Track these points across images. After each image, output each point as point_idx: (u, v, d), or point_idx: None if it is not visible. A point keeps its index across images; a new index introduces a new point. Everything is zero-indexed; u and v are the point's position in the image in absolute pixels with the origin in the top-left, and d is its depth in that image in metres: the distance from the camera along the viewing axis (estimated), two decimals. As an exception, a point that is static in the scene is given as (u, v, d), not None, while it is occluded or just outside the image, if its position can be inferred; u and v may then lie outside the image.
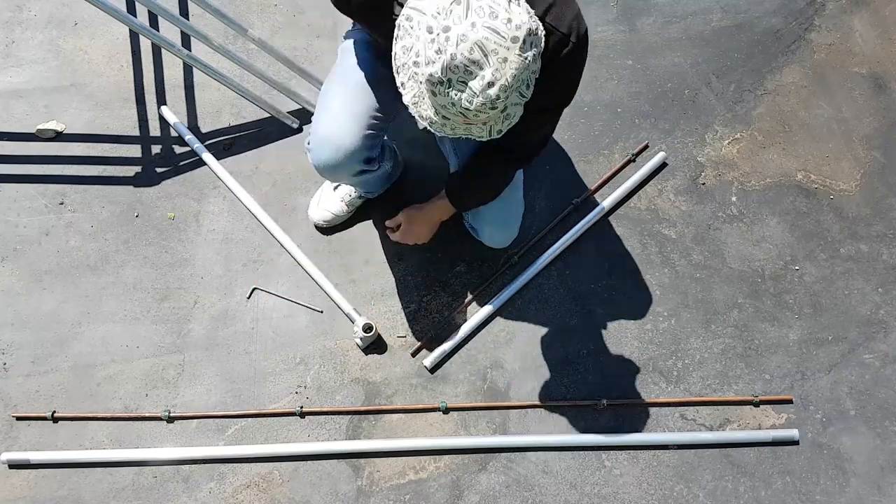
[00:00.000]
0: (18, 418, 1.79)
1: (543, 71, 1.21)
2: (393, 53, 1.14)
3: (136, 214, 2.03)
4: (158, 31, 2.14)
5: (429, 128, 1.20)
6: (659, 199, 2.05)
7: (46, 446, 1.76)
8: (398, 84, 1.16)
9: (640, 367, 1.84)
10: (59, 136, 2.13)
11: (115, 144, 2.12)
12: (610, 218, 2.02)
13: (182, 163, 2.10)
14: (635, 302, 1.92)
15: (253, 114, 2.16)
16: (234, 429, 1.78)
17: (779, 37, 2.30)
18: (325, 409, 1.79)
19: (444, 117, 1.16)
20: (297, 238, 1.98)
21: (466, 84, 1.06)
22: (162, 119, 2.15)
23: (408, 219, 1.74)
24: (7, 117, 2.15)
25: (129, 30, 2.26)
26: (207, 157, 2.07)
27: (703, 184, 2.07)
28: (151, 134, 2.14)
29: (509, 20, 1.03)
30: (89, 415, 1.78)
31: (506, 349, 1.86)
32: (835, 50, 2.27)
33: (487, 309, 1.88)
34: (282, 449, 1.74)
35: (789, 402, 1.80)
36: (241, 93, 2.03)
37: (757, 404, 1.79)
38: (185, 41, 2.23)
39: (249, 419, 1.79)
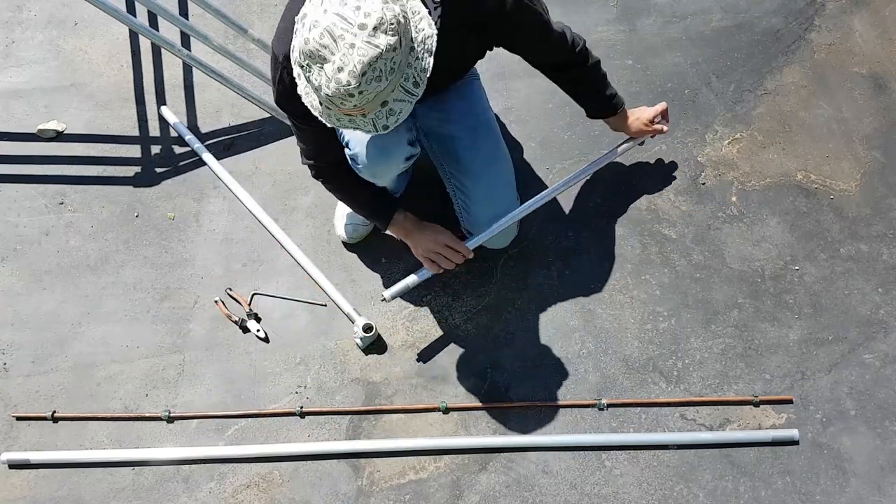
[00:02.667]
0: (18, 418, 1.79)
1: (494, 23, 1.33)
2: (291, 47, 1.17)
3: (136, 214, 2.03)
4: (158, 30, 2.14)
5: (319, 118, 1.22)
6: (659, 199, 2.05)
7: (46, 446, 1.76)
8: (295, 76, 1.19)
9: (640, 367, 1.84)
10: (59, 136, 2.13)
11: (115, 144, 2.12)
12: (610, 218, 2.02)
13: (182, 163, 2.10)
14: (635, 302, 1.92)
15: (253, 114, 2.16)
16: (234, 429, 1.78)
17: (779, 37, 2.30)
18: (325, 409, 1.79)
19: (326, 107, 1.19)
20: (296, 238, 1.98)
21: (322, 68, 1.08)
22: (162, 119, 2.15)
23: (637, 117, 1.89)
24: (7, 117, 2.15)
25: (129, 30, 2.26)
26: (207, 157, 2.07)
27: (703, 184, 2.07)
28: (151, 134, 2.14)
29: (358, 7, 1.06)
30: (89, 415, 1.79)
31: (506, 349, 1.86)
32: (835, 50, 2.27)
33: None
34: (282, 449, 1.74)
35: (789, 402, 1.80)
36: (241, 93, 2.03)
37: (757, 404, 1.79)
38: (185, 41, 2.23)
39: (249, 419, 1.79)
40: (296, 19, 1.12)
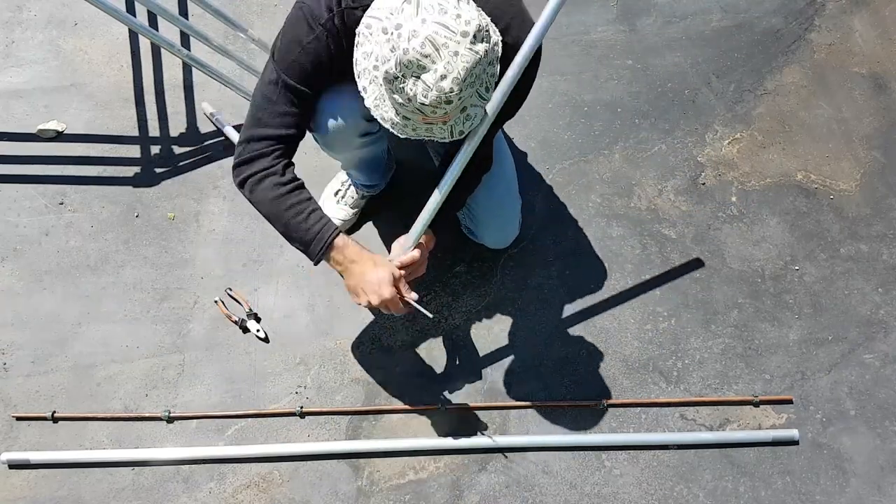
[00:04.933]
0: (18, 418, 1.79)
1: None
2: (354, 61, 1.17)
3: (136, 214, 2.03)
4: (158, 30, 2.14)
5: (391, 130, 1.22)
6: (659, 199, 2.05)
7: (46, 446, 1.76)
8: (360, 89, 1.18)
9: (640, 367, 1.84)
10: (59, 136, 2.13)
11: (115, 144, 2.12)
12: (610, 218, 2.02)
13: (182, 163, 2.10)
14: (635, 302, 1.92)
15: (253, 114, 2.16)
16: (234, 429, 1.78)
17: (779, 37, 2.30)
18: (325, 409, 1.79)
19: (404, 117, 1.19)
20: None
21: (420, 78, 1.09)
22: (161, 119, 2.15)
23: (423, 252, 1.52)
24: (7, 117, 2.15)
25: (129, 30, 2.26)
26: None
27: (703, 184, 2.07)
28: (151, 134, 2.14)
29: (458, 16, 1.08)
30: (89, 415, 1.78)
31: (506, 349, 1.86)
32: (835, 50, 2.27)
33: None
34: (282, 449, 1.74)
35: (789, 402, 1.80)
36: (242, 93, 2.03)
37: (757, 404, 1.79)
38: (185, 41, 2.23)
39: (249, 419, 1.79)
40: (370, 50, 1.11)
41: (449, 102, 1.12)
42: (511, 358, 1.85)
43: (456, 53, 1.08)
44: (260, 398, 1.81)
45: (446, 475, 1.73)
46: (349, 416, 1.79)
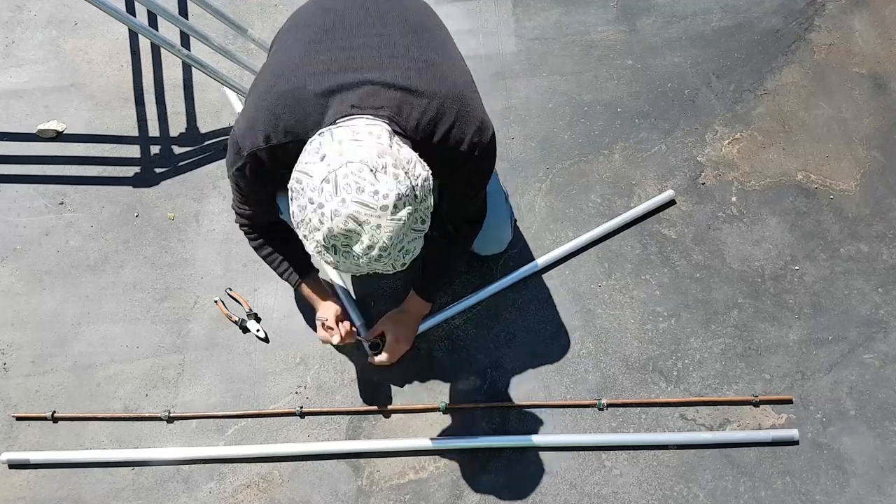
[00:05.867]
0: (18, 418, 1.79)
1: (457, 172, 1.34)
2: (291, 212, 1.17)
3: (136, 214, 2.03)
4: (158, 30, 2.14)
5: (335, 268, 1.24)
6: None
7: (46, 446, 1.76)
8: (301, 237, 1.20)
9: (640, 367, 1.84)
10: (59, 136, 2.13)
11: (115, 144, 2.12)
12: (610, 218, 2.01)
13: (182, 163, 2.10)
14: (635, 302, 1.92)
15: (253, 114, 2.16)
16: (234, 429, 1.78)
17: (779, 37, 2.30)
18: (325, 409, 1.79)
19: (346, 266, 1.22)
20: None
21: (350, 248, 1.12)
22: (161, 119, 2.15)
23: (395, 337, 1.73)
24: (7, 117, 2.15)
25: (129, 30, 2.26)
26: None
27: (703, 184, 2.07)
28: (151, 134, 2.14)
29: (376, 192, 1.09)
30: (89, 415, 1.79)
31: (506, 349, 1.86)
32: (835, 50, 2.27)
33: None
34: (282, 449, 1.74)
35: (789, 402, 1.80)
36: (241, 93, 2.03)
37: (757, 404, 1.79)
38: (185, 41, 2.23)
39: (249, 419, 1.79)
40: (304, 204, 1.13)
41: (380, 260, 1.14)
42: (511, 358, 1.85)
43: (378, 227, 1.10)
44: (260, 398, 1.81)
45: (446, 475, 1.73)
46: (349, 416, 1.79)
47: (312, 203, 1.11)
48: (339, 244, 1.13)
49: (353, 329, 1.70)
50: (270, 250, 1.61)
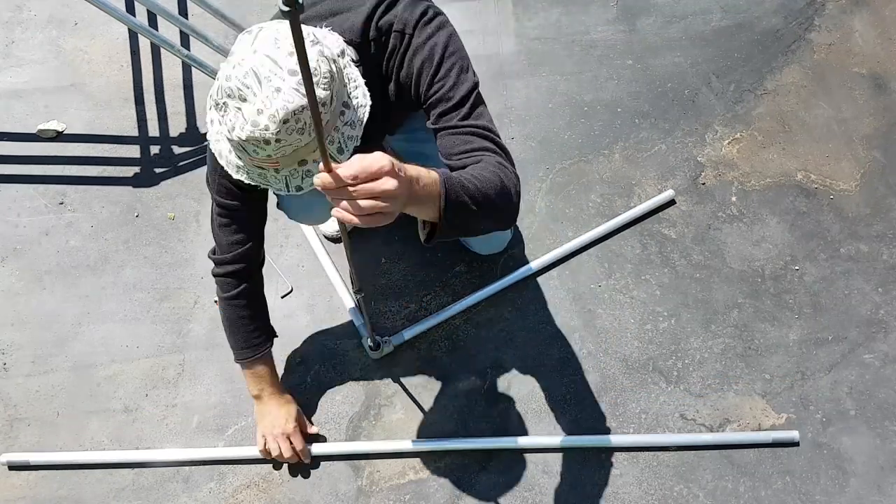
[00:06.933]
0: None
1: (403, 69, 1.23)
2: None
3: (136, 214, 2.03)
4: (158, 30, 2.14)
5: (226, 168, 1.15)
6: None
7: (46, 447, 1.76)
8: (207, 122, 1.12)
9: (640, 367, 1.84)
10: (59, 136, 2.13)
11: (115, 144, 2.12)
12: (610, 218, 2.01)
13: (182, 163, 2.10)
14: (635, 302, 1.92)
15: (253, 114, 2.16)
16: (233, 429, 1.78)
17: (779, 37, 2.30)
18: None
19: (237, 156, 1.12)
20: (296, 238, 1.98)
21: (240, 110, 1.00)
22: (161, 119, 2.15)
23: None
24: (7, 117, 2.15)
25: (129, 30, 2.26)
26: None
27: (703, 184, 2.07)
28: (151, 134, 2.14)
29: (292, 53, 0.98)
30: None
31: (506, 349, 1.86)
32: (835, 50, 2.27)
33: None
34: (282, 449, 1.74)
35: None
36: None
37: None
38: (185, 41, 2.23)
39: (249, 419, 1.79)
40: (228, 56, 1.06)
41: (267, 143, 1.01)
42: (511, 358, 1.85)
43: (278, 90, 0.98)
44: (260, 398, 1.81)
45: (446, 475, 1.73)
46: (349, 416, 1.79)
47: (227, 59, 1.03)
48: (231, 103, 1.01)
49: (308, 449, 1.68)
50: (245, 302, 1.53)
